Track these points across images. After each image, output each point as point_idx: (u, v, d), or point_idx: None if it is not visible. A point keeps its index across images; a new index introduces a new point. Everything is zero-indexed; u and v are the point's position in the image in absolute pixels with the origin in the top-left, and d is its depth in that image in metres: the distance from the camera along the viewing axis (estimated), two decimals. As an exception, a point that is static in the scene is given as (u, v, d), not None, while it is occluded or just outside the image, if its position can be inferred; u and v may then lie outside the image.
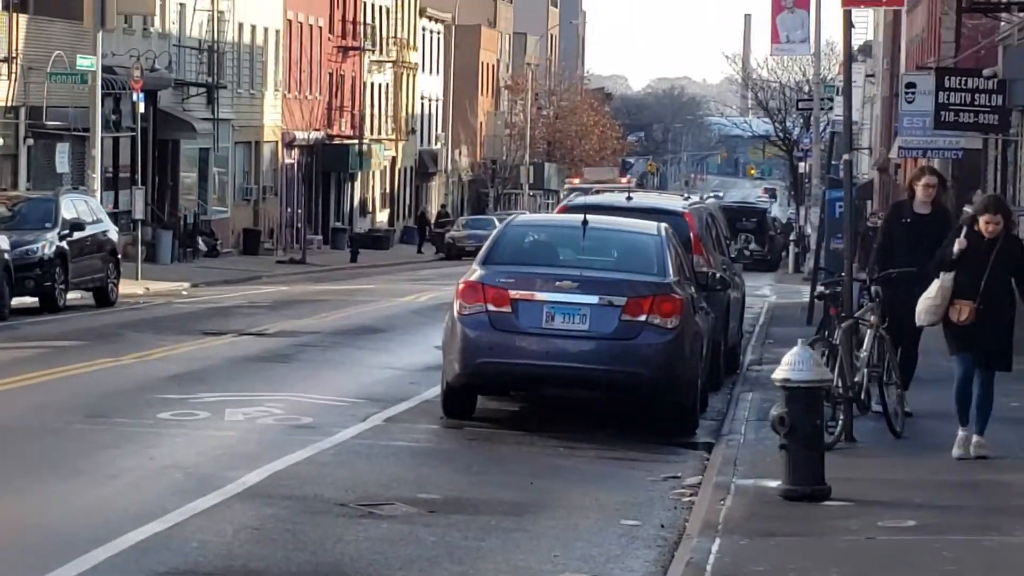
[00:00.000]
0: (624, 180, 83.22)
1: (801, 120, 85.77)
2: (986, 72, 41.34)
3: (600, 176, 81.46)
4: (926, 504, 15.50)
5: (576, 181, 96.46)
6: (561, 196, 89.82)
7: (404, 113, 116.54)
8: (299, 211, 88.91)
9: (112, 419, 21.61)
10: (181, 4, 73.88)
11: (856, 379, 20.30)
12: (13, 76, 59.25)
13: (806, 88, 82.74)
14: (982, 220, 14.34)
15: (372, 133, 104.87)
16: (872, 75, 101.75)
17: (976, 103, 38.70)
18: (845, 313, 21.60)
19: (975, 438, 15.86)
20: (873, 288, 19.02)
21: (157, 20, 70.18)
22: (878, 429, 19.93)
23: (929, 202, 18.09)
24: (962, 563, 13.32)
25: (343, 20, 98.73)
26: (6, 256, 38.07)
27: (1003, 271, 14.35)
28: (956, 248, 14.41)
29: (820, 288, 27.62)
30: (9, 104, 59.53)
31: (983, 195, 16.84)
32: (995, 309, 14.54)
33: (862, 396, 20.42)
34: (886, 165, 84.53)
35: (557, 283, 21.53)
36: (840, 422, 19.23)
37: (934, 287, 14.68)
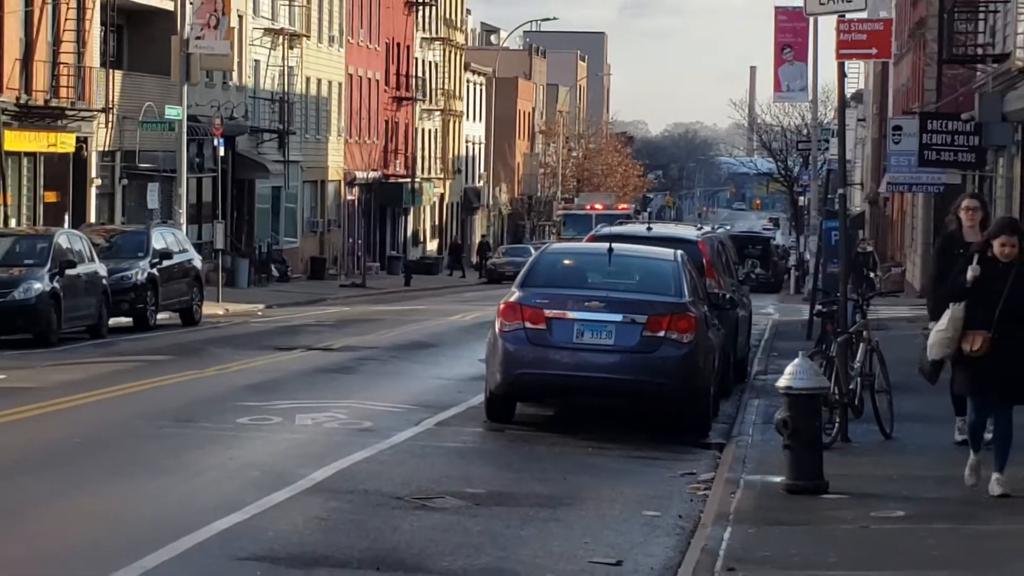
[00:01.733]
0: (622, 207, 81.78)
1: (801, 159, 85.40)
2: (964, 116, 41.26)
3: (591, 201, 78.97)
4: (913, 497, 15.46)
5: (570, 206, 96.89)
6: (554, 219, 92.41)
7: (451, 155, 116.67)
8: (359, 241, 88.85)
9: (197, 424, 21.71)
10: (256, 60, 74.01)
11: (850, 387, 20.26)
12: (110, 124, 59.43)
13: (805, 131, 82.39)
14: (996, 243, 12.60)
15: (423, 172, 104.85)
16: (863, 119, 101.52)
17: (955, 143, 38.64)
18: (840, 329, 21.58)
19: (995, 475, 13.48)
20: (928, 327, 16.32)
21: (235, 75, 70.32)
22: (870, 431, 19.89)
23: (977, 227, 15.91)
24: (945, 548, 13.31)
25: (397, 74, 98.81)
26: (104, 281, 38.27)
27: (1021, 297, 12.53)
28: (969, 275, 12.68)
29: (818, 307, 27.62)
30: (106, 149, 59.70)
31: (998, 217, 14.38)
32: (1013, 339, 12.49)
33: (855, 402, 20.40)
34: (876, 198, 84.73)
35: (586, 303, 21.58)
36: (836, 425, 19.23)
37: (945, 318, 13.00)
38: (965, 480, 14.51)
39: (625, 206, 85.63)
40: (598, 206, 74.01)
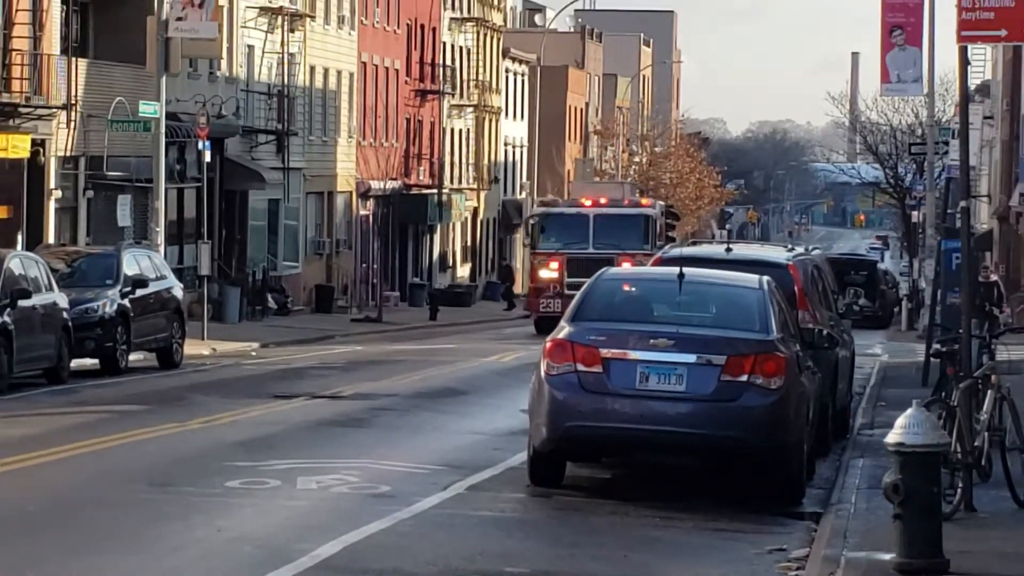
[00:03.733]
0: (645, 203, 67.38)
1: (914, 166, 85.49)
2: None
3: (587, 193, 70.02)
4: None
5: (601, 199, 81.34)
6: (525, 215, 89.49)
7: (486, 161, 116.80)
8: (375, 266, 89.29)
9: (178, 488, 21.67)
10: (249, 47, 74.30)
11: (976, 443, 20.20)
12: (72, 124, 59.67)
13: (919, 131, 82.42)
14: None
15: (452, 182, 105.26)
16: (991, 117, 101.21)
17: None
18: (964, 372, 21.55)
19: None
20: None
21: (224, 64, 70.60)
22: (1000, 497, 19.81)
23: None
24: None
25: (421, 62, 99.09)
26: (65, 315, 38.35)
27: None
28: None
29: (936, 346, 27.44)
30: (68, 154, 59.94)
31: None
32: None
33: (983, 462, 20.33)
34: (1007, 214, 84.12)
35: (652, 340, 21.48)
36: (959, 490, 19.07)
37: None
38: None
39: (647, 202, 68.34)
40: (602, 200, 60.62)
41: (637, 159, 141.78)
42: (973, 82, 52.25)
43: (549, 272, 53.97)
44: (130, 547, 17.79)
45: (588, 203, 59.08)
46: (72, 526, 19.04)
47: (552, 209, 60.86)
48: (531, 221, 65.54)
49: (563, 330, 22.09)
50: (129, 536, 18.38)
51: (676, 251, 33.63)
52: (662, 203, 70.60)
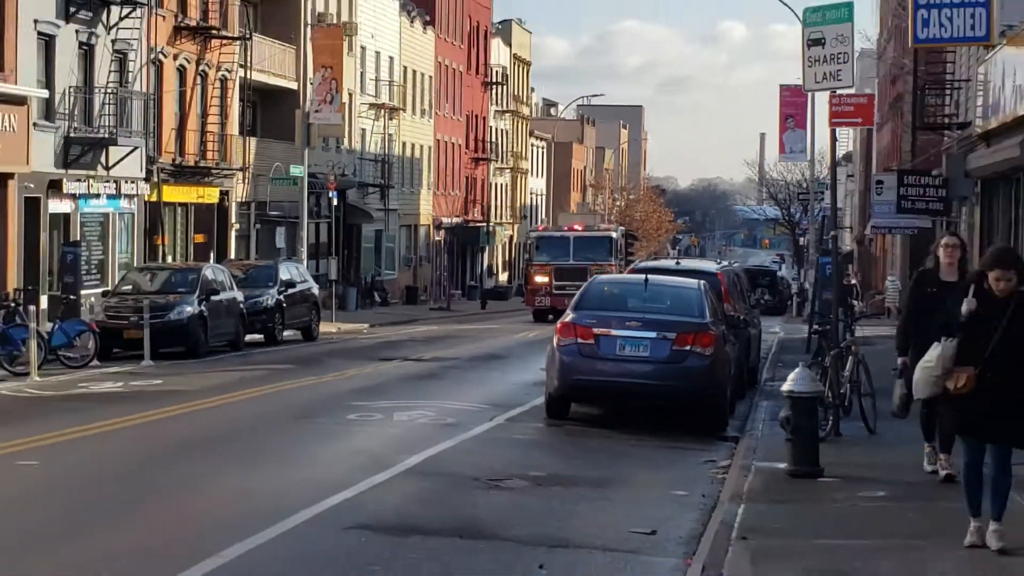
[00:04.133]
0: (604, 227, 67.15)
1: (801, 207, 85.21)
2: (934, 172, 41.31)
3: (571, 222, 69.67)
4: (892, 481, 15.43)
5: (540, 228, 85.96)
6: (527, 241, 74.53)
7: (518, 204, 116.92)
8: (444, 273, 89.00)
9: (314, 420, 21.86)
10: (362, 129, 74.14)
11: (841, 391, 20.25)
12: (247, 180, 59.76)
13: (804, 185, 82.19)
14: (992, 276, 10.10)
15: (496, 218, 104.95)
16: (852, 175, 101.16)
17: (926, 195, 38.58)
18: (833, 344, 21.58)
19: (992, 524, 10.59)
20: (900, 360, 14.91)
21: (346, 140, 70.58)
22: (857, 427, 19.79)
23: (955, 264, 14.09)
24: (919, 523, 13.27)
25: (475, 139, 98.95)
26: (241, 306, 38.53)
27: (1018, 333, 9.98)
28: (965, 309, 10.18)
29: (815, 327, 27.52)
30: (243, 200, 60.01)
31: (993, 248, 11.85)
32: (1009, 377, 9.98)
33: (845, 403, 20.34)
34: (862, 239, 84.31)
35: (627, 323, 21.56)
36: (830, 422, 19.13)
37: (933, 354, 10.42)
38: (966, 539, 11.22)
39: (608, 226, 68.30)
40: (577, 227, 60.04)
41: (618, 203, 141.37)
42: (840, 152, 52.06)
43: (542, 278, 53.53)
44: (283, 459, 17.99)
45: (568, 227, 59.22)
46: (244, 445, 19.30)
47: (544, 233, 61.72)
48: (529, 241, 63.88)
49: (568, 316, 22.24)
50: (283, 452, 18.57)
51: (643, 264, 34.44)
52: (622, 228, 71.00)
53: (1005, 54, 29.06)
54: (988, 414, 10.32)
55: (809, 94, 36.68)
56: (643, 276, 24.84)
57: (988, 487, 10.68)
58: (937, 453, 14.88)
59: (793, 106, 62.02)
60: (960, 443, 11.21)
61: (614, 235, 56.62)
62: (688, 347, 21.28)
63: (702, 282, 23.93)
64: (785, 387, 16.77)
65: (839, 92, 27.36)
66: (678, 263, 33.72)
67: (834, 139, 27.37)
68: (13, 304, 32.94)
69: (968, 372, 10.22)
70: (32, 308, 32.12)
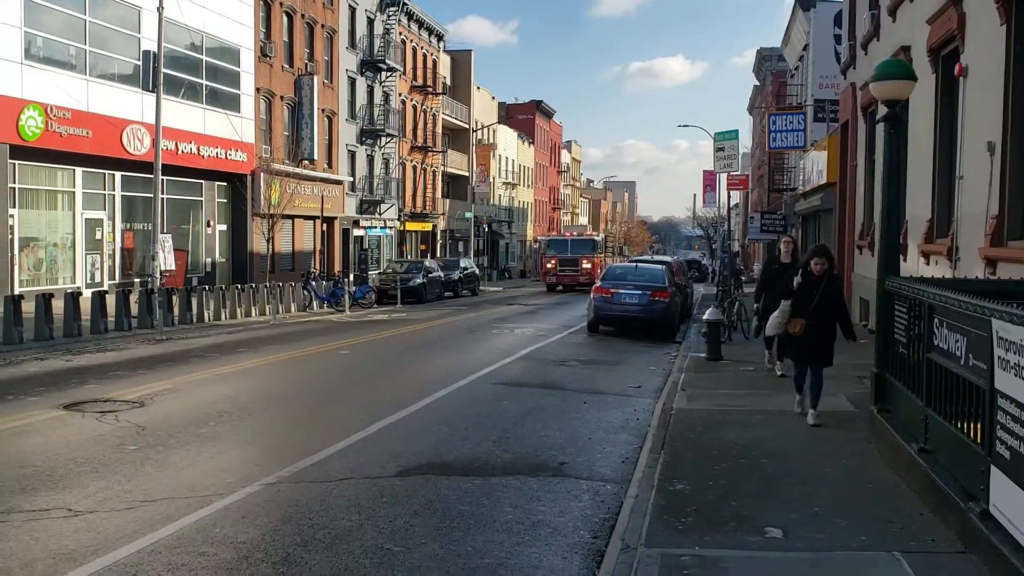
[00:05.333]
0: (589, 233, 60.87)
1: (714, 230, 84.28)
2: (778, 212, 40.66)
3: (569, 230, 66.02)
4: (756, 363, 15.17)
5: (554, 233, 75.57)
6: (543, 248, 68.40)
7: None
8: (539, 264, 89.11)
9: (476, 332, 21.71)
10: (499, 194, 74.11)
11: (731, 319, 19.99)
12: (445, 219, 59.86)
13: (716, 218, 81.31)
14: (812, 263, 9.72)
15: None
16: (738, 213, 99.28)
17: (775, 223, 37.94)
18: (727, 296, 21.34)
19: (811, 411, 9.88)
20: (755, 305, 14.17)
21: (492, 199, 70.62)
22: (739, 337, 19.50)
23: (789, 254, 13.35)
24: (769, 384, 13.08)
25: (553, 199, 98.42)
26: (442, 278, 38.52)
27: (827, 298, 9.65)
28: (795, 282, 9.85)
29: (720, 288, 27.13)
30: (443, 228, 60.20)
31: (813, 245, 11.31)
32: (820, 324, 9.65)
33: (733, 324, 20.11)
34: (744, 245, 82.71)
35: (627, 286, 21.38)
36: (726, 334, 18.86)
37: (779, 310, 9.94)
38: (794, 409, 10.47)
39: (591, 233, 61.73)
40: (573, 233, 53.97)
41: (623, 229, 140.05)
42: (733, 201, 51.14)
43: (551, 264, 45.98)
44: (461, 351, 17.92)
45: (568, 234, 52.13)
46: (442, 345, 19.24)
47: (551, 237, 51.57)
48: (543, 241, 55.74)
49: (598, 283, 22.10)
50: (461, 348, 18.48)
51: (635, 257, 34.37)
52: (604, 234, 60.14)
53: (812, 155, 28.67)
54: (807, 346, 9.71)
55: (717, 174, 36.31)
56: (635, 264, 24.73)
57: (808, 388, 9.97)
58: (774, 360, 13.86)
59: (710, 179, 60.94)
60: (793, 361, 10.39)
61: (597, 238, 50.62)
62: (657, 298, 21.09)
63: (664, 266, 23.64)
64: (705, 316, 16.63)
65: (732, 173, 27.03)
66: (652, 257, 33.34)
67: (729, 196, 27.16)
68: (338, 277, 33.59)
69: (800, 322, 9.63)
70: (346, 279, 32.73)
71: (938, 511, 6.39)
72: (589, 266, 44.49)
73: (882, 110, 9.07)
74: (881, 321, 8.64)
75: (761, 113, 56.88)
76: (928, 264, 13.69)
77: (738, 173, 30.22)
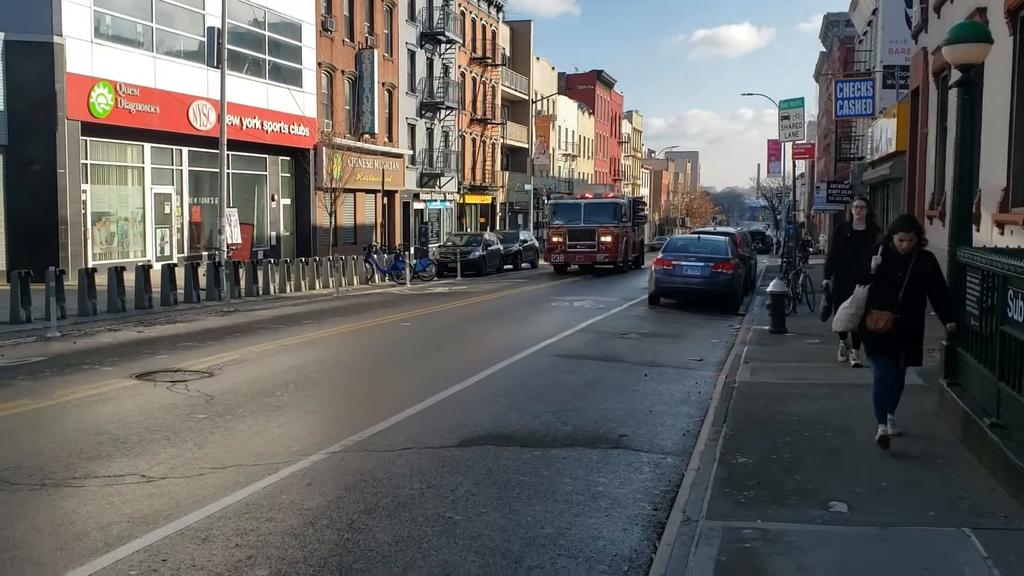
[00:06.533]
0: (610, 196, 41.54)
1: (778, 201, 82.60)
2: (845, 182, 39.76)
3: (585, 191, 50.45)
4: (823, 336, 14.87)
5: (587, 195, 42.54)
6: (547, 215, 56.33)
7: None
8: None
9: (535, 305, 21.77)
10: (559, 166, 73.77)
11: (796, 291, 19.73)
12: (503, 191, 59.72)
13: (780, 189, 79.67)
14: (896, 238, 7.56)
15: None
16: (804, 184, 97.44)
17: (841, 194, 37.09)
18: (792, 268, 21.01)
19: (889, 417, 7.74)
20: (825, 282, 11.93)
21: (551, 171, 70.38)
22: (805, 309, 19.24)
23: (863, 220, 11.39)
24: (835, 356, 12.87)
25: (614, 170, 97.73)
26: (502, 251, 38.49)
27: (917, 281, 7.46)
28: (873, 264, 7.68)
29: (784, 259, 26.74)
30: (502, 201, 60.24)
31: (898, 216, 9.17)
32: (910, 318, 7.53)
33: (799, 297, 19.82)
34: (809, 215, 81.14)
35: (689, 258, 21.22)
36: (791, 306, 18.61)
37: (851, 299, 7.85)
38: (875, 433, 7.78)
39: (613, 195, 45.18)
40: (589, 195, 38.59)
41: (686, 200, 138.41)
42: (797, 171, 50.15)
43: (558, 238, 35.00)
44: (523, 323, 17.99)
45: (580, 197, 37.45)
46: (502, 317, 19.28)
47: (560, 201, 37.87)
48: (547, 207, 42.55)
49: (660, 255, 21.95)
50: (521, 319, 18.54)
51: (697, 229, 33.75)
52: (631, 196, 42.58)
53: (881, 122, 27.91)
54: (894, 344, 7.55)
55: (782, 143, 35.58)
56: (697, 235, 24.44)
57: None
58: (849, 348, 12.01)
59: (775, 148, 59.82)
60: (873, 364, 7.81)
61: (620, 202, 36.21)
62: (720, 269, 20.93)
63: (727, 238, 23.42)
64: (768, 288, 16.46)
65: (797, 142, 26.45)
66: (715, 229, 32.99)
67: (794, 165, 26.62)
68: (399, 250, 33.92)
69: (887, 317, 7.45)
70: (407, 252, 33.07)
71: (1010, 487, 6.20)
72: (610, 239, 34.23)
73: (955, 75, 8.72)
74: (952, 293, 8.41)
75: (828, 80, 55.43)
76: (1003, 234, 13.24)
77: (804, 142, 29.67)
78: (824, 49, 67.16)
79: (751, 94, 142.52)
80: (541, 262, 43.10)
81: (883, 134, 27.61)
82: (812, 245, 50.47)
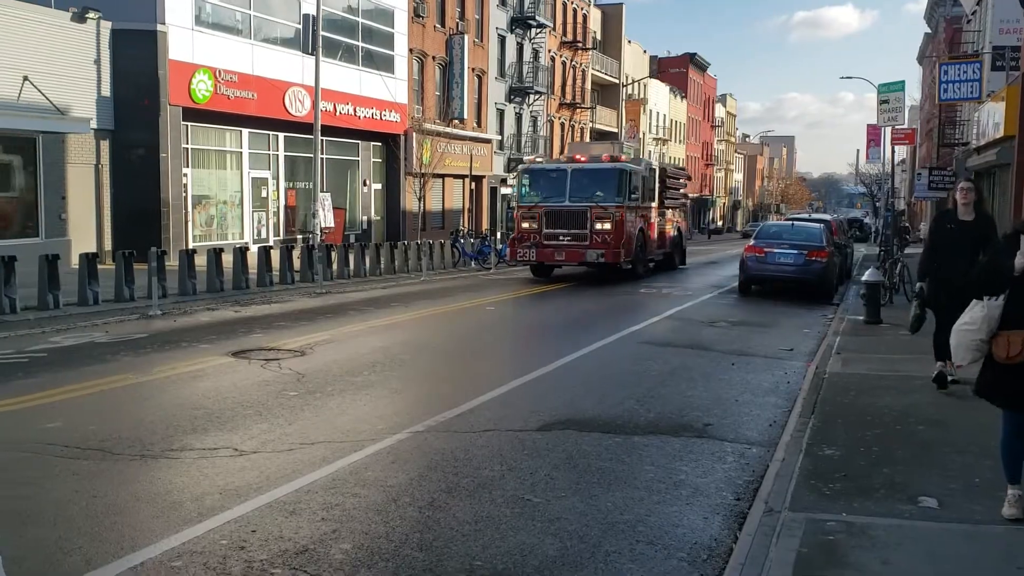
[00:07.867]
0: (605, 157, 24.23)
1: (877, 187, 79.89)
2: (947, 168, 38.34)
3: (576, 152, 26.28)
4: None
5: (578, 156, 24.72)
6: (516, 190, 25.71)
7: (727, 186, 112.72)
8: (691, 221, 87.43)
9: (621, 291, 21.62)
10: (649, 150, 72.91)
11: (894, 280, 19.18)
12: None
13: (880, 175, 77.08)
14: None
15: (714, 194, 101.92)
16: (904, 170, 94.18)
17: (944, 181, 35.76)
18: (889, 257, 20.41)
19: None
20: (919, 285, 9.43)
21: (641, 155, 69.90)
22: (901, 299, 18.62)
23: (971, 207, 8.94)
24: (930, 349, 12.50)
25: (706, 154, 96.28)
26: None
27: None
28: (1018, 263, 5.00)
29: (882, 248, 25.93)
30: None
31: None
32: None
33: (895, 287, 19.24)
34: (910, 203, 78.37)
35: (782, 245, 20.78)
36: (887, 296, 18.07)
37: (976, 315, 5.20)
38: (1004, 513, 5.47)
39: (608, 157, 24.49)
40: (580, 157, 24.23)
41: (780, 185, 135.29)
42: (897, 158, 48.46)
43: (527, 224, 23.60)
44: (600, 310, 17.91)
45: (572, 158, 24.56)
46: (575, 305, 19.11)
47: (534, 164, 24.89)
48: (515, 177, 31.26)
49: (751, 242, 21.66)
50: (600, 306, 18.46)
51: (791, 215, 32.94)
52: (651, 162, 28.63)
53: (988, 106, 26.79)
54: None
55: (881, 128, 34.44)
56: (791, 222, 23.85)
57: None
58: (947, 365, 9.49)
59: (874, 133, 57.91)
60: (1003, 416, 5.40)
61: (629, 168, 24.05)
62: (814, 258, 20.47)
63: (822, 225, 22.79)
64: (864, 278, 16.08)
65: (897, 127, 25.63)
66: (810, 215, 32.13)
67: (894, 151, 25.80)
68: (485, 235, 34.04)
69: (1022, 336, 5.07)
70: (493, 237, 33.14)
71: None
72: (609, 226, 23.54)
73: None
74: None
75: (932, 63, 53.31)
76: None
77: (904, 127, 28.62)
78: (929, 30, 64.62)
79: (850, 77, 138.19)
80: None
81: (990, 118, 26.48)
82: (910, 232, 48.76)
